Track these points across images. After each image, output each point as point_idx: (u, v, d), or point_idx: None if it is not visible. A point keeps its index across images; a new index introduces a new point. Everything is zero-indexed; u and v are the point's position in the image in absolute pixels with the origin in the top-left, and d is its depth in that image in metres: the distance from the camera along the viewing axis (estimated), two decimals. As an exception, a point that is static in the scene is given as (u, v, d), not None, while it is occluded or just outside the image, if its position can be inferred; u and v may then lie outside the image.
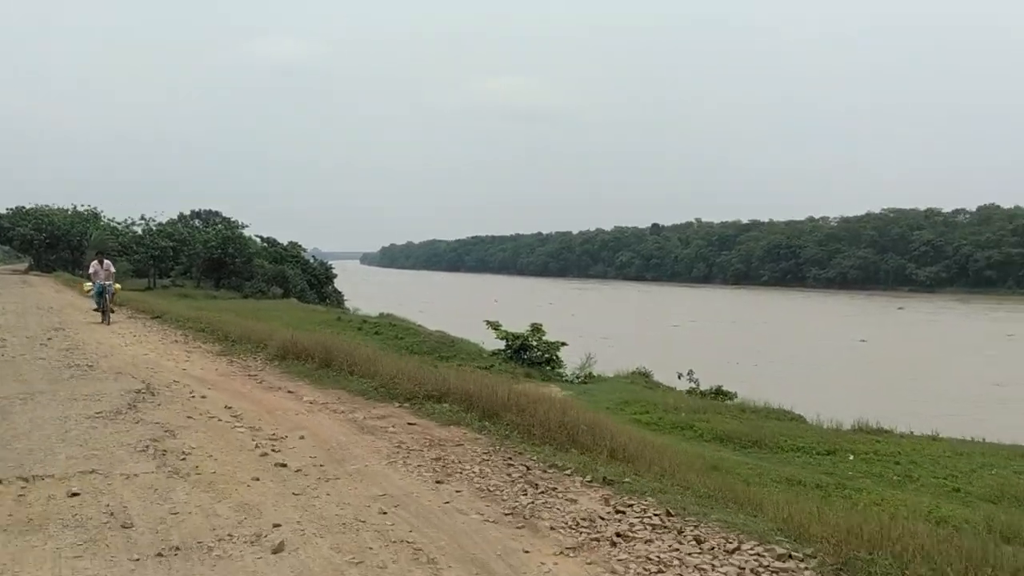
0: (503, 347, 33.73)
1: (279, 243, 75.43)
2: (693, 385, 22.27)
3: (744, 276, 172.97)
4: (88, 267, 26.52)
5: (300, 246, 76.60)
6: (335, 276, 76.50)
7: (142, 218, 68.25)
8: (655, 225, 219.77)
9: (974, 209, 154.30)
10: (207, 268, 69.19)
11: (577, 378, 23.79)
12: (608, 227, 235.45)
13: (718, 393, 20.93)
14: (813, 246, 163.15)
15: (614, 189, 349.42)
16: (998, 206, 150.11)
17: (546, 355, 33.25)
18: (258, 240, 73.86)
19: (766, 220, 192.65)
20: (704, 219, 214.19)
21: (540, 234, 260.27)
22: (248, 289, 65.88)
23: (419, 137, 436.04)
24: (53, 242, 67.46)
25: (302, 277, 70.53)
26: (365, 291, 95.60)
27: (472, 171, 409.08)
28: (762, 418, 13.96)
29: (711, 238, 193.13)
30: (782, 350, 53.45)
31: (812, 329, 68.70)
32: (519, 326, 34.74)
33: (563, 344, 33.29)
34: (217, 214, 73.38)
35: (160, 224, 67.99)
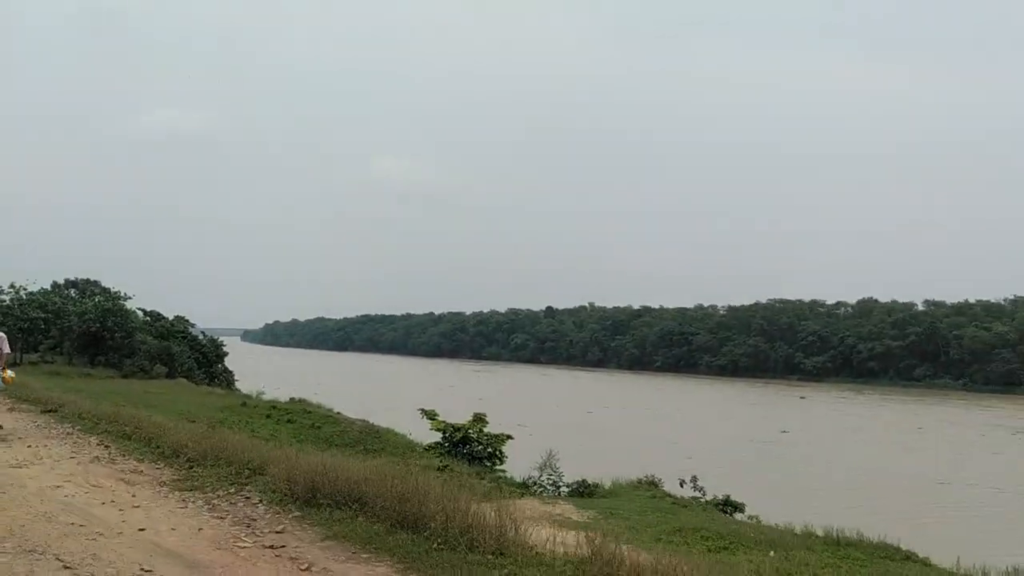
0: (440, 439, 30.03)
1: (164, 317, 68.98)
2: (697, 494, 19.22)
3: (638, 361, 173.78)
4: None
5: (187, 321, 70.28)
6: (226, 354, 70.35)
7: (11, 286, 60.88)
8: (549, 308, 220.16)
9: (854, 302, 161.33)
10: (83, 343, 62.10)
11: (567, 489, 19.89)
12: (501, 309, 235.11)
13: (727, 504, 17.92)
14: (705, 333, 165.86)
15: (504, 273, 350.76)
16: (876, 300, 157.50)
17: (488, 449, 29.74)
18: (140, 313, 67.26)
19: (656, 307, 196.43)
20: (597, 303, 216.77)
21: (432, 314, 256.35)
22: (128, 367, 59.16)
23: (289, 211, 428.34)
24: None
25: (189, 355, 64.26)
26: (253, 370, 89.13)
27: (359, 251, 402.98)
28: (871, 557, 11.01)
29: (604, 322, 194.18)
30: (709, 442, 51.43)
31: (728, 418, 67.46)
32: (434, 412, 31.25)
33: (508, 437, 29.86)
34: (95, 283, 66.51)
35: (31, 293, 60.77)
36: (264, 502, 7.26)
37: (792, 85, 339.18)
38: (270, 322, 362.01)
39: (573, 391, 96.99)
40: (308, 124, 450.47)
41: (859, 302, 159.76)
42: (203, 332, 72.42)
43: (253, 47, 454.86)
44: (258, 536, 6.20)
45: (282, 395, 65.48)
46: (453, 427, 29.57)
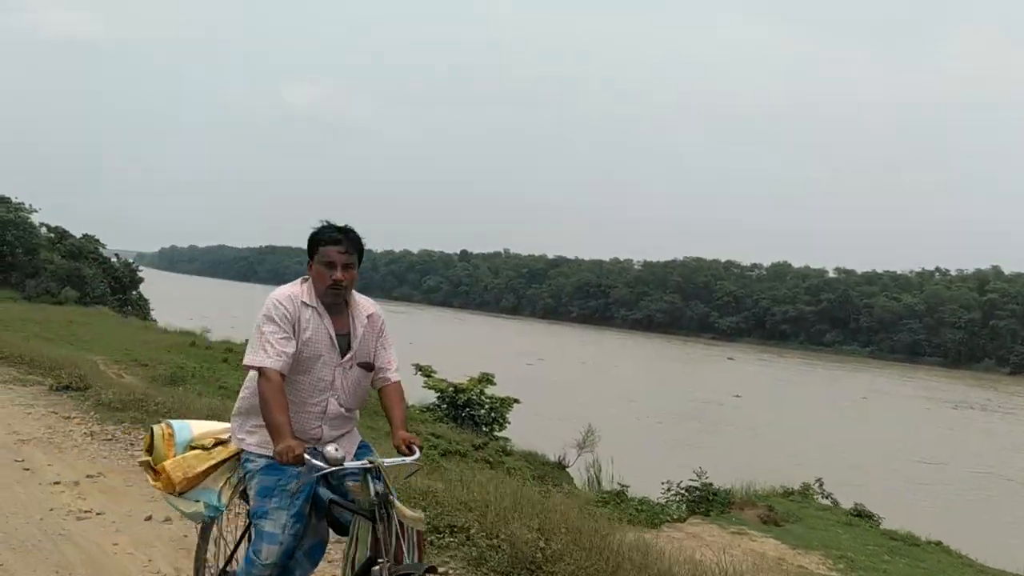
0: (436, 399, 26.66)
1: (70, 234, 62.06)
2: (827, 501, 16.17)
3: (553, 311, 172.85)
4: None
5: (98, 240, 63.46)
6: (141, 280, 64.05)
7: None
8: (464, 252, 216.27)
9: (768, 265, 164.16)
10: (-23, 259, 55.07)
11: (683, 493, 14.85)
12: (413, 249, 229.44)
13: (860, 515, 14.92)
14: (622, 287, 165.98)
15: (415, 210, 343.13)
16: (790, 264, 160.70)
17: (492, 414, 26.62)
18: (44, 230, 60.14)
19: (572, 257, 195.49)
20: (512, 250, 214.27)
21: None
22: (32, 289, 52.82)
23: (209, 138, 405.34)
24: None
25: (102, 279, 58.03)
26: (159, 298, 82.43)
27: (266, 177, 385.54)
28: None
29: (520, 270, 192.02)
30: (668, 402, 49.74)
31: (672, 376, 66.23)
32: (431, 368, 27.84)
33: (515, 401, 26.72)
34: (-8, 192, 58.84)
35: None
36: None
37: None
38: (166, 246, 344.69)
39: (501, 339, 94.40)
40: (222, 36, 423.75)
41: (773, 265, 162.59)
42: (116, 254, 65.74)
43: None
44: None
45: (198, 326, 60.50)
46: (455, 387, 26.24)
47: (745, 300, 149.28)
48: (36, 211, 57.23)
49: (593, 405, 40.65)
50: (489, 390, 27.09)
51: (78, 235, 63.01)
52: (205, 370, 25.30)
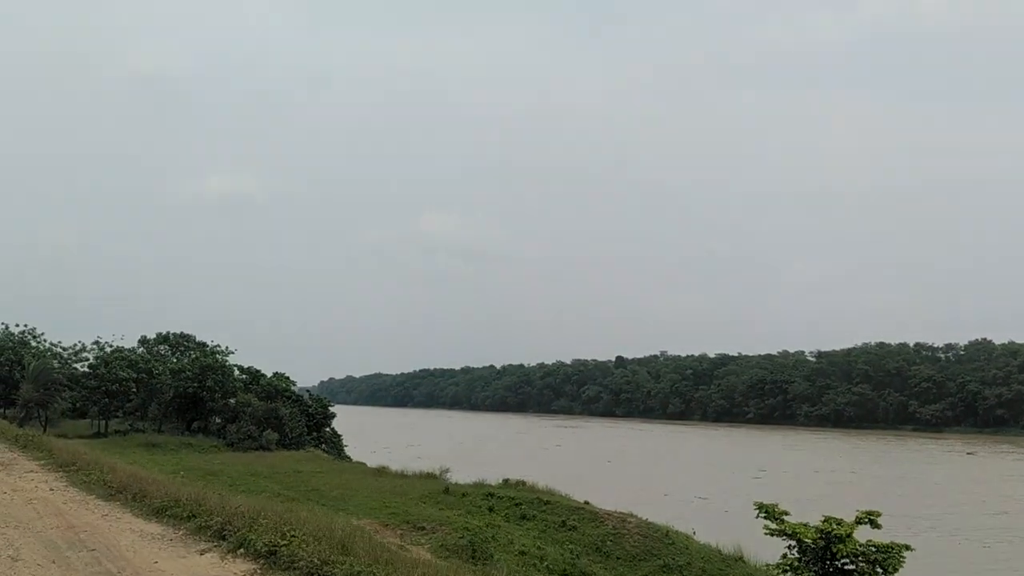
0: (791, 548, 20.19)
1: (263, 374, 60.22)
2: None
3: (727, 412, 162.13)
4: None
5: (289, 378, 61.40)
6: (333, 416, 61.19)
7: (95, 343, 52.77)
8: (619, 358, 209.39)
9: (965, 343, 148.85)
10: (178, 406, 53.54)
11: None
12: (554, 361, 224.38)
13: None
14: (801, 381, 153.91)
15: (551, 326, 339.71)
16: (991, 341, 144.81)
17: (878, 569, 19.70)
18: (235, 372, 58.53)
19: (735, 354, 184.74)
20: (669, 352, 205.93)
21: (493, 367, 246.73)
22: (233, 435, 50.35)
23: (353, 273, 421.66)
24: (-30, 372, 50.64)
25: (299, 418, 55.27)
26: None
27: (412, 305, 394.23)
28: None
29: (684, 372, 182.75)
30: (972, 520, 40.87)
31: (935, 485, 56.36)
32: (775, 508, 21.39)
33: (907, 548, 19.84)
34: (190, 338, 58.06)
35: (117, 350, 52.48)
36: None
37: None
38: (324, 379, 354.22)
39: (699, 450, 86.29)
40: (350, 183, 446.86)
41: (971, 344, 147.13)
42: (308, 391, 63.66)
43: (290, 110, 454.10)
44: None
45: (398, 459, 56.45)
46: (827, 534, 19.62)
47: (947, 385, 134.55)
48: (232, 352, 55.86)
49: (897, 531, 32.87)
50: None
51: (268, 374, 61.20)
52: (500, 532, 20.14)
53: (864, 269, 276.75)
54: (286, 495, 24.62)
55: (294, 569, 7.69)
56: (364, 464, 43.66)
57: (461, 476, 42.38)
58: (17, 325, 53.36)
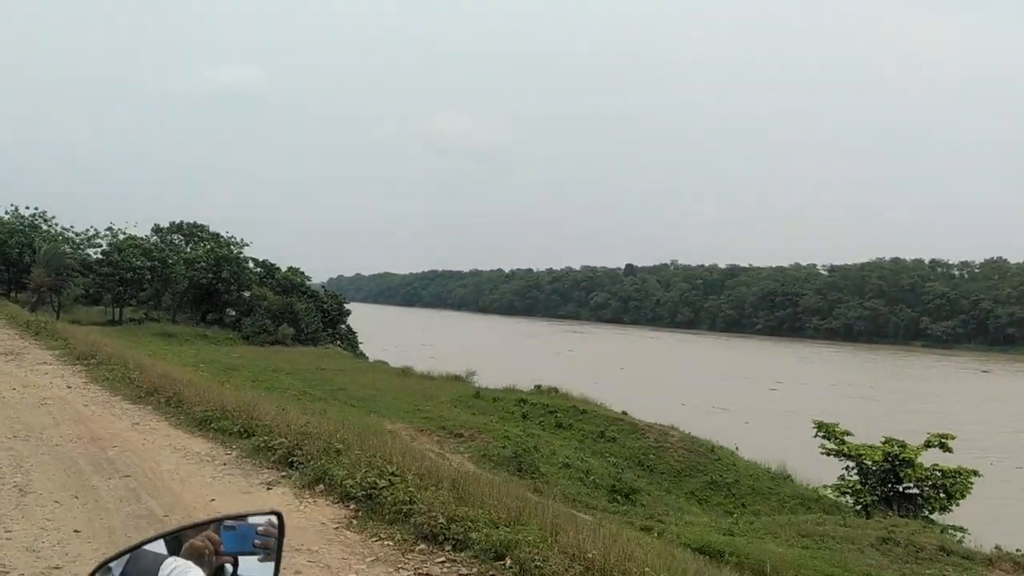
0: (849, 471, 19.31)
1: (278, 268, 59.30)
2: None
3: (735, 323, 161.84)
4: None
5: (303, 273, 60.51)
6: (348, 312, 60.55)
7: (108, 229, 51.55)
8: (629, 266, 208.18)
9: (980, 261, 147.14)
10: (193, 297, 52.81)
11: None
12: (566, 267, 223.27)
13: None
14: (812, 294, 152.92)
15: (556, 225, 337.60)
16: (1006, 260, 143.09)
17: (941, 493, 18.80)
18: (250, 264, 57.55)
19: (746, 264, 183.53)
20: (680, 261, 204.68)
21: (501, 271, 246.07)
22: (248, 327, 49.79)
23: (363, 170, 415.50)
24: (-20, 254, 49.41)
25: (315, 313, 54.61)
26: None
27: (416, 207, 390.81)
28: None
29: (694, 281, 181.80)
30: (998, 440, 40.29)
31: (956, 403, 55.77)
32: (835, 427, 20.43)
33: (974, 474, 18.81)
34: (203, 228, 56.79)
35: (131, 238, 51.29)
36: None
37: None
38: (333, 276, 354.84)
39: (711, 359, 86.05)
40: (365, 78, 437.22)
41: (987, 262, 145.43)
42: (323, 286, 62.76)
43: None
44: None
45: (413, 359, 55.95)
46: (885, 454, 18.68)
47: (960, 302, 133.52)
48: (247, 245, 54.73)
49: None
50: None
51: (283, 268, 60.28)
52: (540, 442, 19.27)
53: (884, 182, 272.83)
54: (311, 393, 23.81)
55: (408, 523, 5.90)
56: (385, 363, 42.84)
57: (483, 380, 41.77)
58: (27, 207, 52.04)
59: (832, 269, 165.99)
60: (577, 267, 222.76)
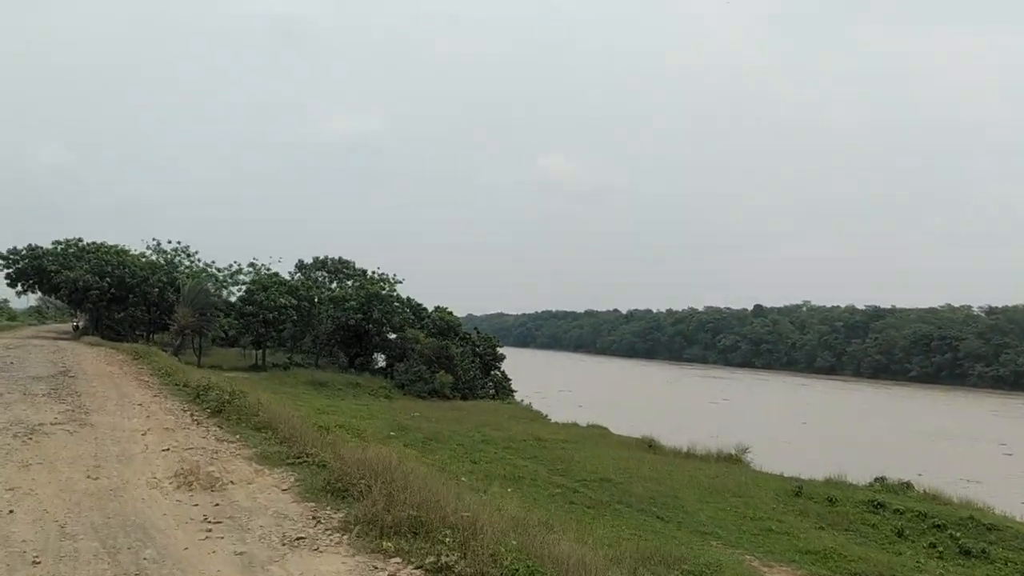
0: None
1: (424, 308, 53.88)
2: None
3: (884, 369, 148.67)
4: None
5: (451, 312, 54.88)
6: (503, 357, 54.51)
7: (251, 265, 47.29)
8: (758, 306, 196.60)
9: None
10: (341, 340, 47.72)
11: None
12: (675, 307, 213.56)
13: None
14: (973, 339, 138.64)
15: (667, 272, 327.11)
16: None
17: None
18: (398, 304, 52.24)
19: (888, 306, 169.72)
20: (814, 303, 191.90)
21: (617, 311, 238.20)
22: (403, 375, 44.15)
23: (472, 213, 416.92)
24: (121, 293, 45.53)
25: (471, 358, 48.73)
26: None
27: (525, 247, 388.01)
28: None
29: (833, 323, 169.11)
30: None
31: None
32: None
33: None
34: (349, 264, 52.03)
35: (274, 275, 46.79)
36: None
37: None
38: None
39: (889, 413, 75.89)
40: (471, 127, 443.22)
41: None
42: (476, 328, 57.12)
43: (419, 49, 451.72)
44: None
45: (551, 405, 49.17)
46: None
47: None
48: (400, 282, 49.37)
49: None
50: None
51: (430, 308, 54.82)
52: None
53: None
54: (573, 489, 17.13)
55: None
56: (604, 428, 34.77)
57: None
58: (169, 242, 48.36)
59: (990, 311, 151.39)
60: (700, 308, 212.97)
